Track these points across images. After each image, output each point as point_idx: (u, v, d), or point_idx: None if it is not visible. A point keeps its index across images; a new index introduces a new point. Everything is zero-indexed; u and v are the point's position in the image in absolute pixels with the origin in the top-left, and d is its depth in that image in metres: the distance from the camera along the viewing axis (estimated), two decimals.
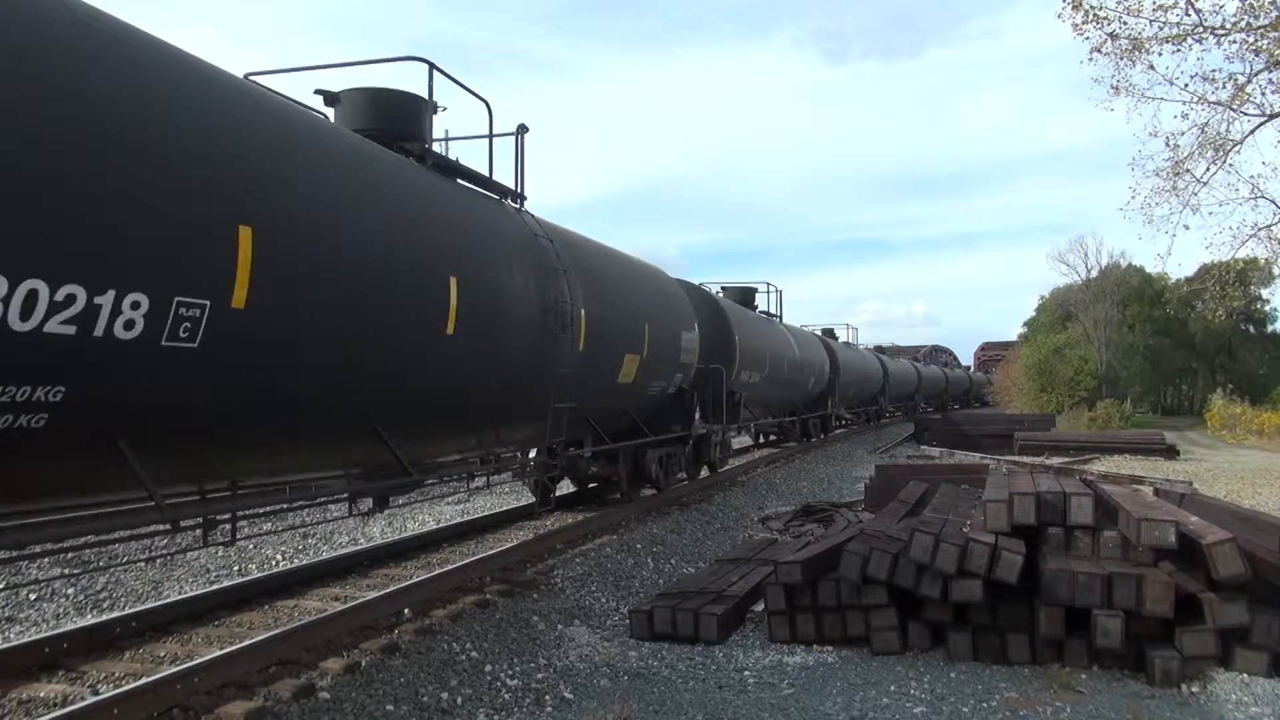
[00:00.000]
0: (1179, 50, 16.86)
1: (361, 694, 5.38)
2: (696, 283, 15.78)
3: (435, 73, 7.44)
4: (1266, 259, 20.75)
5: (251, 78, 6.36)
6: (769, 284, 21.48)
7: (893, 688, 5.92)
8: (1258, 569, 6.19)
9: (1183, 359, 61.56)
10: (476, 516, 11.32)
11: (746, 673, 6.28)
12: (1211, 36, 16.39)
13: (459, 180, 7.88)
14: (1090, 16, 16.63)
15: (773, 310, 21.77)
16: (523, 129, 8.84)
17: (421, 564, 8.59)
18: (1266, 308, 57.92)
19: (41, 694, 5.19)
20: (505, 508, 11.94)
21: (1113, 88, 17.69)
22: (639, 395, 11.25)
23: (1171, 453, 23.92)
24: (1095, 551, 6.60)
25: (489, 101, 8.11)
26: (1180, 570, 6.23)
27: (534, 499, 10.90)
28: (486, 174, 8.24)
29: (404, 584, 7.31)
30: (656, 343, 11.14)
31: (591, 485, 12.78)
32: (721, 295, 16.81)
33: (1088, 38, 17.00)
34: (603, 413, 10.41)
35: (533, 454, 9.77)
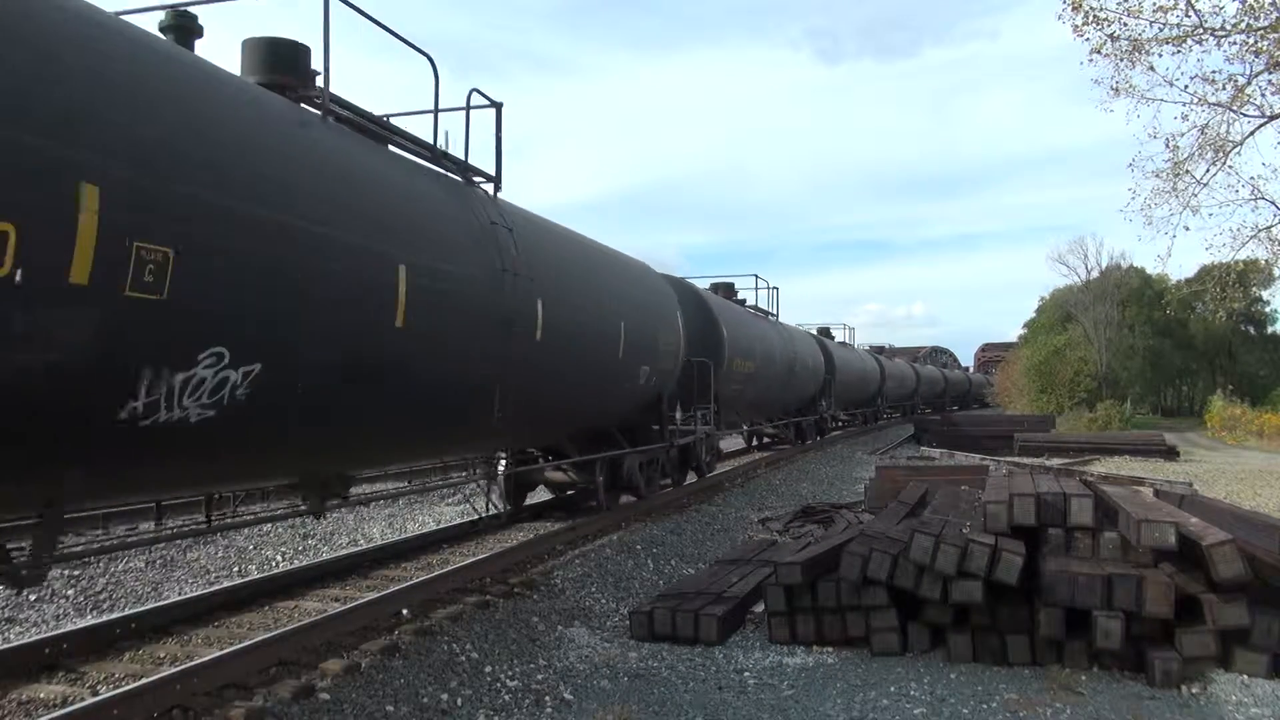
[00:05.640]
0: (1179, 51, 16.86)
1: (361, 694, 5.39)
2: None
3: None
4: (1266, 260, 20.69)
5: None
6: (844, 324, 34.55)
7: (892, 689, 5.91)
8: (1258, 570, 6.19)
9: (1183, 360, 61.45)
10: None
11: (746, 674, 6.28)
12: (1211, 38, 16.38)
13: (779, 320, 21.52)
14: (1090, 18, 16.62)
15: (848, 341, 33.47)
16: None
17: (422, 565, 8.59)
18: (1267, 309, 57.80)
19: (41, 694, 5.19)
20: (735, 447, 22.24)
21: (1113, 89, 17.67)
22: (804, 393, 22.88)
23: (1171, 454, 23.92)
24: (1095, 552, 6.60)
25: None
26: (1180, 571, 6.23)
27: (745, 445, 22.95)
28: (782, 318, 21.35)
29: (403, 585, 7.31)
30: (810, 368, 22.59)
31: (766, 440, 23.44)
32: (815, 333, 28.02)
33: (1088, 39, 16.99)
34: (798, 402, 22.92)
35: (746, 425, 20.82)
